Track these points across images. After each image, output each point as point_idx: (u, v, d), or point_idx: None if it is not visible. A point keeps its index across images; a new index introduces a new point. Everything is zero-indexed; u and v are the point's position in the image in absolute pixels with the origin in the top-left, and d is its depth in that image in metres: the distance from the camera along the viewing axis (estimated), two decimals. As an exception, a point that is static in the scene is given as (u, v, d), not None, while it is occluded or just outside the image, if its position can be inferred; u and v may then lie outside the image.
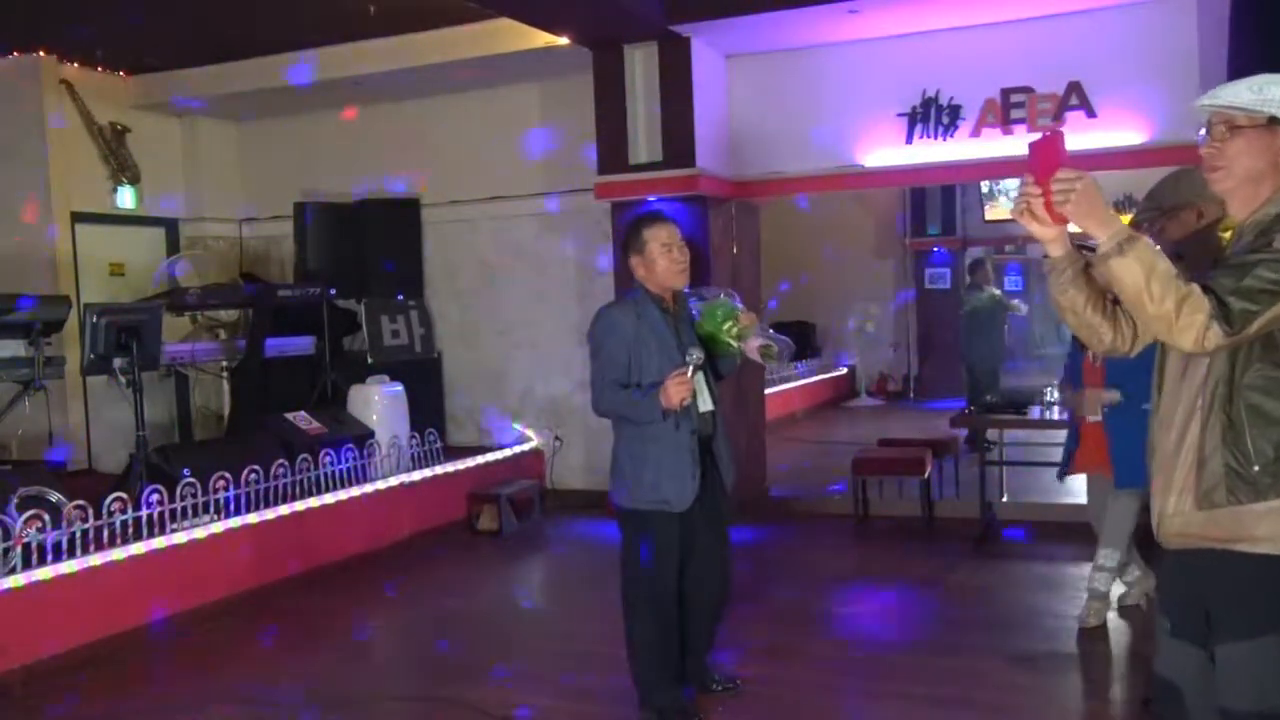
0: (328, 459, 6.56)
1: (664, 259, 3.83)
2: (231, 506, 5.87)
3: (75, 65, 8.46)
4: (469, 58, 7.70)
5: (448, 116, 8.67)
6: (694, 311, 3.98)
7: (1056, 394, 6.39)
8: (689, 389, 3.67)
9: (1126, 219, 3.90)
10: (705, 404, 3.89)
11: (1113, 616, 5.08)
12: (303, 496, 6.31)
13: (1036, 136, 2.23)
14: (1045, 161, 2.13)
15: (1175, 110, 6.50)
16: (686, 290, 3.99)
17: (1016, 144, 6.92)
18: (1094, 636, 4.77)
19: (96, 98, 8.61)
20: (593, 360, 3.88)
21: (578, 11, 6.72)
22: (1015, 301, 9.99)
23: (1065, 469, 5.18)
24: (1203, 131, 2.29)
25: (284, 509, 6.13)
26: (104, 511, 5.20)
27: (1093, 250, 3.72)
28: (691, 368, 3.69)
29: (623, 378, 3.80)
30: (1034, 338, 14.55)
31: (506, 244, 8.55)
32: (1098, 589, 4.89)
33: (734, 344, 3.87)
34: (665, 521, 3.82)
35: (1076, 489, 7.86)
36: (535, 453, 8.31)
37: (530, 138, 8.40)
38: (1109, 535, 4.83)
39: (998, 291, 9.89)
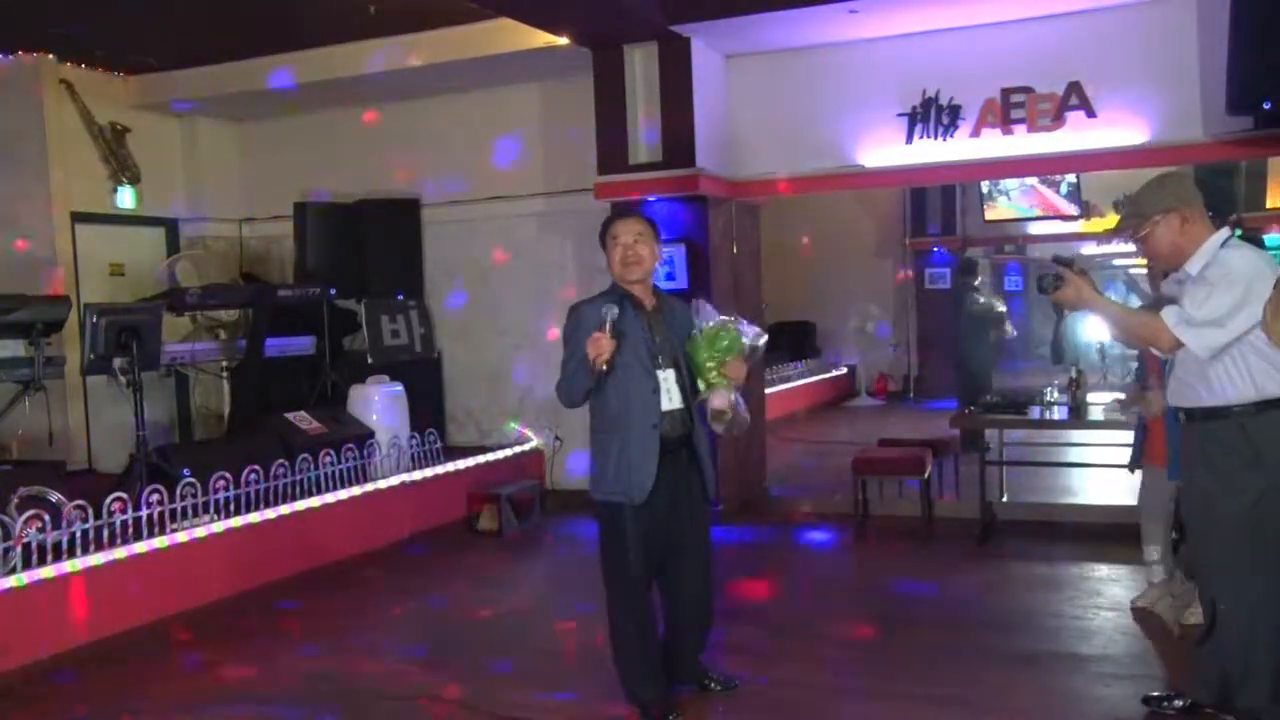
0: (328, 459, 6.56)
1: (615, 252, 3.95)
2: (231, 506, 5.87)
3: (75, 65, 8.46)
4: (469, 58, 7.71)
5: (448, 116, 8.68)
6: (701, 316, 3.99)
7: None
8: (605, 345, 3.69)
9: (1115, 220, 3.90)
10: (670, 402, 3.90)
11: (1112, 616, 5.09)
12: (303, 496, 6.31)
13: None
14: None
15: (1175, 110, 6.50)
16: (704, 307, 4.01)
17: (1017, 144, 6.94)
18: (1140, 617, 5.00)
19: (96, 98, 8.61)
20: (564, 352, 3.96)
21: (578, 11, 6.72)
22: (1008, 326, 9.97)
23: (1136, 461, 5.19)
24: None
25: (284, 509, 6.13)
26: (104, 511, 5.20)
27: (1068, 264, 3.71)
28: (608, 323, 3.71)
29: None
30: (1033, 338, 14.56)
31: (506, 244, 8.55)
32: (1153, 580, 5.07)
33: (703, 386, 3.87)
34: (626, 513, 3.86)
35: (1076, 488, 7.91)
36: (535, 453, 8.31)
37: (530, 138, 8.41)
38: (1153, 528, 4.95)
39: (1000, 305, 9.86)
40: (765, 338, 4.07)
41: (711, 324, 3.92)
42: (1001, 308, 9.83)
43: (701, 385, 3.87)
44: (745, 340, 3.89)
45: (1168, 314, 3.46)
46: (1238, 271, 3.39)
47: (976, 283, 9.68)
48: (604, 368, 3.72)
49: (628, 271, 3.94)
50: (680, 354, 3.96)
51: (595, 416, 3.96)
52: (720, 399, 3.81)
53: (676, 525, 3.99)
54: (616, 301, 3.87)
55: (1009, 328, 9.92)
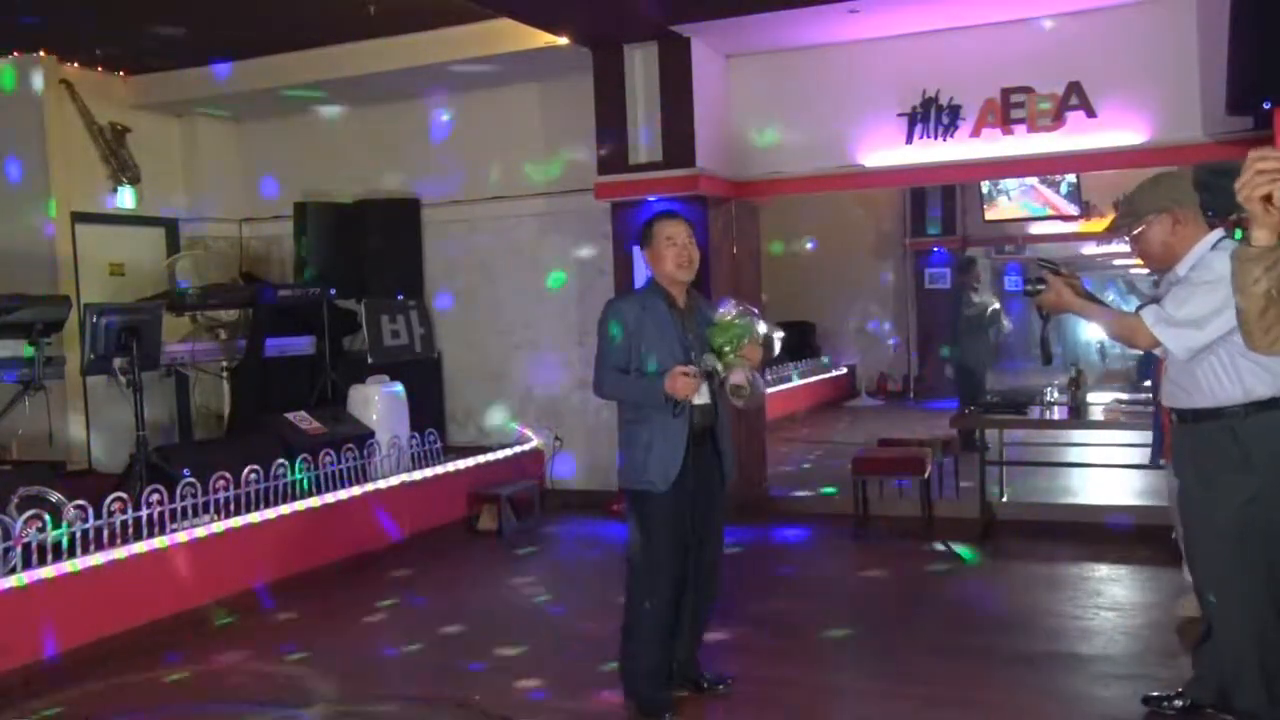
0: (328, 459, 6.56)
1: (668, 251, 4.01)
2: (231, 506, 5.87)
3: (75, 65, 8.45)
4: (469, 58, 7.71)
5: (448, 116, 8.67)
6: (715, 312, 4.01)
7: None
8: (695, 387, 3.84)
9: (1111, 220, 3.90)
10: (699, 396, 3.98)
11: (1112, 616, 5.09)
12: (303, 496, 6.31)
13: None
14: None
15: (1175, 110, 6.51)
16: (725, 301, 4.03)
17: (1017, 144, 6.94)
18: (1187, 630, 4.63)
19: (96, 98, 8.61)
20: (598, 346, 4.06)
21: (578, 11, 6.73)
22: (1005, 321, 9.97)
23: (1157, 457, 5.12)
24: None
25: (284, 509, 6.13)
26: (104, 511, 5.20)
27: (1053, 267, 3.71)
28: (702, 371, 3.86)
29: (622, 364, 3.98)
30: (1031, 338, 14.55)
31: (506, 244, 8.55)
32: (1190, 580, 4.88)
33: (719, 366, 3.94)
34: (655, 503, 3.92)
35: (1076, 488, 7.91)
36: (535, 453, 8.31)
37: (530, 138, 8.41)
38: None
39: (996, 304, 9.86)
40: (780, 333, 4.11)
41: (726, 313, 3.96)
42: (996, 306, 9.83)
43: (719, 366, 3.95)
44: (760, 329, 3.96)
45: (1147, 313, 3.49)
46: (1221, 275, 3.38)
47: (976, 283, 9.68)
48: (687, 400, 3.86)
49: (682, 272, 4.03)
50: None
51: (627, 408, 4.07)
52: (739, 375, 3.90)
53: (699, 515, 4.05)
54: (657, 299, 4.01)
55: (1006, 323, 9.94)
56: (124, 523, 5.29)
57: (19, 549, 4.78)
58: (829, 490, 8.01)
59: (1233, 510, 3.40)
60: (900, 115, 7.18)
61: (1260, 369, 3.36)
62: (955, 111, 7.06)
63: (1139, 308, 3.68)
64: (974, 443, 7.39)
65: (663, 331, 3.96)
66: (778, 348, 4.18)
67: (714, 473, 4.09)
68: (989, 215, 13.09)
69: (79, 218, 8.51)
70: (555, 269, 8.33)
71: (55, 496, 5.19)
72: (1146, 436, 6.62)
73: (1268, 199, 2.00)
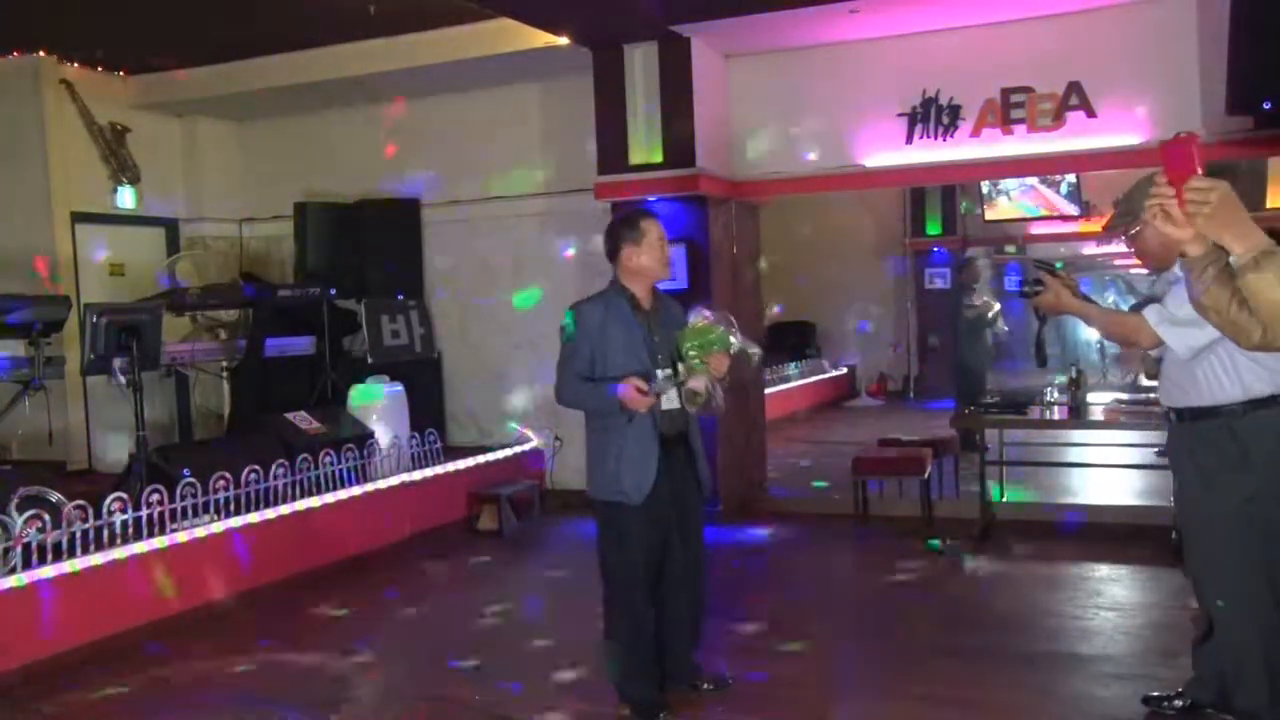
0: (328, 459, 6.56)
1: (659, 250, 3.99)
2: (231, 506, 5.87)
3: (75, 65, 8.47)
4: (469, 58, 7.72)
5: (448, 116, 8.68)
6: (689, 317, 3.98)
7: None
8: (645, 405, 3.78)
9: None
10: (669, 401, 3.93)
11: (1112, 616, 5.08)
12: (303, 496, 6.31)
13: (1172, 137, 2.12)
14: (1178, 165, 2.01)
15: (1175, 110, 6.50)
16: (704, 308, 4.00)
17: (1017, 144, 6.94)
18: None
19: (96, 98, 8.62)
20: (560, 350, 3.99)
21: (578, 11, 6.73)
22: (1001, 324, 9.97)
23: None
24: None
25: (284, 509, 6.13)
26: (104, 511, 5.20)
27: (1050, 268, 3.72)
28: (655, 392, 3.80)
29: (585, 370, 3.91)
30: (1031, 338, 14.55)
31: (506, 244, 8.55)
32: None
33: (681, 370, 3.89)
34: (627, 513, 3.88)
35: (1075, 488, 7.90)
36: (535, 453, 8.31)
37: (530, 138, 8.41)
38: None
39: (996, 305, 9.86)
40: (759, 351, 4.07)
41: (702, 319, 3.91)
42: (996, 308, 9.82)
43: (681, 369, 3.89)
44: (734, 340, 3.89)
45: (1149, 312, 3.49)
46: None
47: (975, 283, 9.67)
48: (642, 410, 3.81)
49: (666, 272, 4.04)
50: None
51: (593, 417, 3.98)
52: (698, 382, 3.84)
53: (674, 523, 4.02)
54: (621, 300, 3.97)
55: (1002, 325, 9.95)
56: (124, 523, 5.29)
57: (19, 549, 4.79)
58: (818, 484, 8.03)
59: (1232, 509, 3.40)
60: (900, 115, 7.18)
61: (1259, 367, 3.36)
62: (955, 111, 7.06)
63: (1133, 306, 3.68)
64: (974, 443, 7.38)
65: (628, 332, 3.90)
66: (755, 361, 4.14)
67: (689, 475, 4.06)
68: (989, 215, 13.08)
69: (79, 218, 8.52)
70: (555, 269, 8.33)
71: (55, 496, 5.19)
72: (1146, 436, 6.66)
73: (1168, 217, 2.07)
